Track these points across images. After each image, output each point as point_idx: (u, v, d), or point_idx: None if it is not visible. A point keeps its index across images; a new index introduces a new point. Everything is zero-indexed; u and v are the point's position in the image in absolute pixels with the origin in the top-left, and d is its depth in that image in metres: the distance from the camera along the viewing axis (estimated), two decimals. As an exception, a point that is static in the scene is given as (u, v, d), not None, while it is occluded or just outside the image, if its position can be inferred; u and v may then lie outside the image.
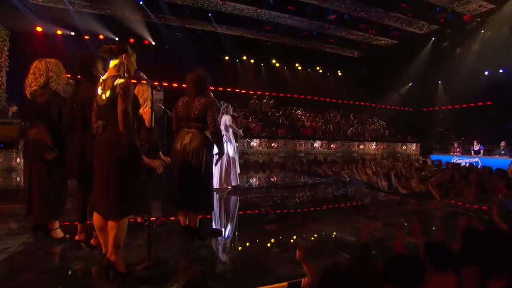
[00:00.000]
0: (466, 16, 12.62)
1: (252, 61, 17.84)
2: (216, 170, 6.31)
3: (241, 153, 13.09)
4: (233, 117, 6.75)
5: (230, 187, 6.41)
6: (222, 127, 6.44)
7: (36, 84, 3.20)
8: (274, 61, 18.11)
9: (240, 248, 3.31)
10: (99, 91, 2.51)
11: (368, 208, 4.98)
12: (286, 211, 4.79)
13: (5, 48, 12.09)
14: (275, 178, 8.81)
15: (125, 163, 2.41)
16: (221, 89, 17.12)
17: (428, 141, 16.80)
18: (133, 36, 14.37)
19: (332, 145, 14.59)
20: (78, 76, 3.23)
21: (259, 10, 12.51)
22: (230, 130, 6.55)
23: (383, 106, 19.63)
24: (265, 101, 17.04)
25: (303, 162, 10.77)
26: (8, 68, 12.23)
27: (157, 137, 4.19)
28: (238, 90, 17.59)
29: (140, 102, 3.87)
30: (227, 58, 17.22)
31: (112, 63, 2.56)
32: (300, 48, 16.90)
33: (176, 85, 16.37)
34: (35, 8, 12.08)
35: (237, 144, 6.71)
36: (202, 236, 3.38)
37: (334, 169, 9.35)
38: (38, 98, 3.15)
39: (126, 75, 2.61)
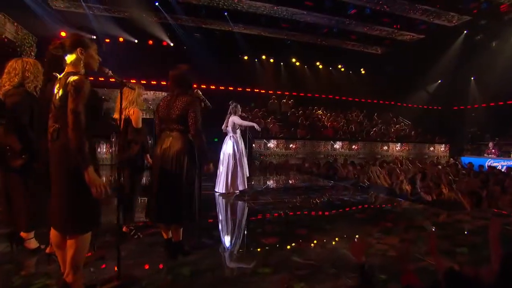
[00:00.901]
0: (503, 6, 11.46)
1: (271, 60, 17.39)
2: (222, 174, 5.94)
3: (258, 154, 12.71)
4: (242, 118, 6.33)
5: (237, 191, 6.01)
6: (230, 128, 6.07)
7: (10, 84, 2.96)
8: (294, 60, 17.55)
9: (228, 267, 2.89)
10: (55, 90, 2.18)
11: (385, 219, 4.39)
12: (291, 220, 4.30)
13: (32, 54, 12.39)
14: (288, 182, 8.32)
15: (79, 172, 2.05)
16: (240, 89, 16.86)
17: (459, 142, 15.57)
18: (152, 38, 14.40)
19: (353, 146, 13.84)
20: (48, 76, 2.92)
21: (275, 7, 12.03)
22: (238, 131, 6.15)
23: (410, 105, 18.51)
24: (284, 101, 16.52)
25: (320, 165, 10.17)
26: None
27: (146, 138, 3.88)
28: (257, 90, 17.23)
29: (125, 104, 3.58)
30: (246, 58, 16.87)
31: (68, 59, 2.22)
32: (321, 46, 16.23)
33: (195, 86, 16.25)
34: (59, 14, 12.32)
35: (243, 145, 6.26)
36: (186, 252, 2.99)
37: (353, 172, 8.71)
38: (9, 98, 2.89)
39: (87, 71, 2.27)
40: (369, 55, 16.88)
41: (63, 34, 13.28)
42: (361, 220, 4.35)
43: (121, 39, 14.03)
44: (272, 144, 12.90)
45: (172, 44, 14.86)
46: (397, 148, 14.41)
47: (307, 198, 5.79)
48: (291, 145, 13.11)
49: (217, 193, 5.87)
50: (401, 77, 16.27)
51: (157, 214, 2.83)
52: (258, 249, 3.20)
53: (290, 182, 8.30)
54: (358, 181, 7.65)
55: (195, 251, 3.08)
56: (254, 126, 6.22)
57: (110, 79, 2.54)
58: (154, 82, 15.40)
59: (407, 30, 13.82)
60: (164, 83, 15.75)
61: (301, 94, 17.94)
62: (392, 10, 12.10)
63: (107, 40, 13.90)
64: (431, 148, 15.06)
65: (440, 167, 9.17)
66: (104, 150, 10.48)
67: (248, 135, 13.19)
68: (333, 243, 3.35)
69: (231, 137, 6.02)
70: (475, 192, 5.64)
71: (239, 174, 5.94)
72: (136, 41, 14.30)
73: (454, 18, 12.71)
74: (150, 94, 14.91)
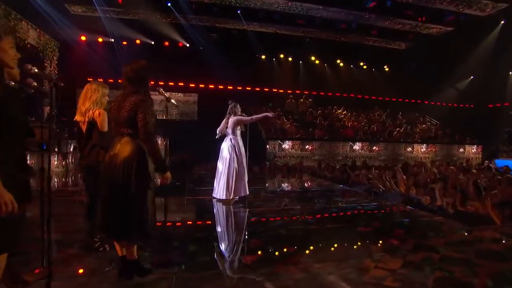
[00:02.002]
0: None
1: (290, 59, 16.79)
2: (222, 179, 5.50)
3: (272, 156, 12.19)
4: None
5: (237, 197, 5.55)
6: (229, 130, 5.62)
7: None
8: (313, 58, 16.83)
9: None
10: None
11: (392, 234, 3.76)
12: (282, 233, 3.78)
13: (54, 58, 12.65)
14: (296, 186, 7.75)
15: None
16: (258, 89, 16.43)
17: (493, 143, 14.14)
18: (168, 40, 14.30)
19: (374, 148, 12.95)
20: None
21: (290, 3, 11.45)
22: (238, 132, 5.69)
23: (438, 104, 17.17)
24: (302, 100, 15.87)
25: (335, 168, 9.48)
26: (57, 76, 12.81)
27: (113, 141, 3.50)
28: (275, 90, 16.72)
29: (88, 105, 3.24)
30: (263, 57, 16.39)
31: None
32: (340, 43, 15.40)
33: (212, 86, 16.05)
34: (78, 18, 12.50)
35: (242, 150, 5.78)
36: (142, 271, 2.58)
37: (369, 176, 7.96)
38: None
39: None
40: (392, 51, 15.81)
41: (83, 38, 13.54)
42: (363, 235, 3.75)
43: (138, 41, 14.04)
44: (287, 145, 12.33)
45: (188, 45, 14.68)
46: (422, 150, 13.33)
47: (310, 206, 5.22)
48: (307, 146, 12.48)
49: (215, 199, 5.45)
50: (427, 73, 15.05)
51: (104, 228, 2.45)
52: (229, 272, 2.72)
53: (299, 186, 7.73)
54: (372, 187, 6.94)
55: (158, 270, 2.67)
56: (267, 116, 5.73)
57: (34, 76, 2.15)
58: (172, 84, 15.36)
59: (433, 23, 12.68)
60: (182, 84, 15.76)
61: (321, 93, 17.20)
62: (416, 1, 11.11)
63: (124, 43, 13.98)
64: (461, 150, 13.80)
65: (474, 170, 8.19)
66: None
67: (263, 135, 12.75)
68: (319, 266, 2.80)
69: (231, 139, 5.57)
70: (508, 203, 4.81)
71: (240, 179, 5.47)
72: (152, 42, 14.25)
73: (488, 7, 11.44)
74: (165, 95, 14.85)
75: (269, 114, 5.72)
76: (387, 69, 17.56)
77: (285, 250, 3.20)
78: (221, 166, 5.55)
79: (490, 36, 13.34)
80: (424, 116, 16.35)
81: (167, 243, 3.34)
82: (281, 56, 16.60)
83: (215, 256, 3.09)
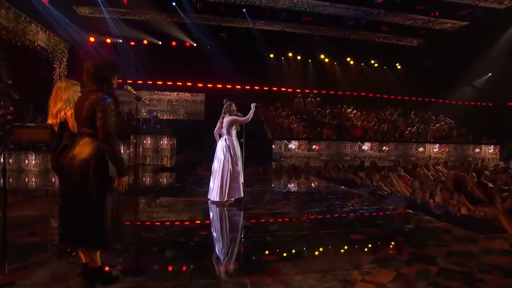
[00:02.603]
0: None
1: (298, 57, 16.44)
2: (216, 181, 5.30)
3: (278, 156, 11.92)
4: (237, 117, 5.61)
5: (232, 199, 5.34)
6: (224, 130, 5.41)
7: None
8: (322, 56, 16.43)
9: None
10: None
11: (388, 242, 3.45)
12: (268, 240, 3.53)
13: (64, 59, 12.80)
14: (297, 188, 7.46)
15: None
16: (266, 88, 16.18)
17: (512, 143, 13.40)
18: (175, 40, 14.24)
19: (384, 148, 12.48)
20: None
21: (295, 0, 11.14)
22: (234, 132, 5.47)
23: (453, 102, 16.44)
24: (309, 99, 15.52)
25: (340, 168, 9.12)
26: (67, 77, 12.96)
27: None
28: (284, 89, 16.44)
29: (61, 105, 3.08)
30: (272, 56, 16.12)
31: None
32: (350, 40, 14.96)
33: (220, 86, 15.90)
34: (86, 20, 12.58)
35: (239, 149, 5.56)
36: (107, 280, 2.40)
37: (376, 177, 7.59)
38: None
39: None
40: (404, 48, 15.22)
41: (92, 39, 13.64)
42: (356, 242, 3.45)
43: (145, 42, 14.04)
44: (293, 145, 12.03)
45: (195, 45, 14.58)
46: (435, 150, 12.74)
47: (307, 209, 4.95)
48: (314, 146, 12.14)
49: (210, 201, 5.25)
50: (441, 71, 14.40)
51: (62, 233, 2.28)
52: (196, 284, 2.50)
53: (301, 188, 7.45)
54: (376, 189, 6.58)
55: (127, 278, 2.49)
56: (255, 108, 5.48)
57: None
58: (180, 83, 15.31)
59: (447, 17, 12.07)
60: (190, 84, 15.68)
61: (331, 92, 16.78)
62: (428, -5, 10.60)
63: (132, 43, 14.01)
64: (477, 150, 13.12)
65: (486, 172, 7.67)
66: (122, 151, 10.36)
67: (269, 136, 12.49)
68: (300, 278, 2.54)
69: (226, 140, 5.36)
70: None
71: (235, 180, 5.25)
72: (160, 43, 14.23)
73: (506, -1, 10.78)
74: (173, 95, 14.83)
75: (253, 106, 5.47)
76: (399, 67, 16.96)
77: (266, 258, 2.95)
78: (216, 167, 5.36)
79: (509, 30, 12.61)
80: (438, 115, 15.69)
81: (145, 248, 3.16)
82: (290, 54, 16.28)
83: (191, 263, 2.88)
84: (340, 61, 16.60)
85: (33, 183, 7.47)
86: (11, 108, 10.42)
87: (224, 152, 5.29)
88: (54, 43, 11.98)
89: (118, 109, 2.41)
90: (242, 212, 4.84)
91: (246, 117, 5.30)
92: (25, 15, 10.24)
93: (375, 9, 11.41)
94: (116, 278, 2.50)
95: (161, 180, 8.46)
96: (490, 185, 5.63)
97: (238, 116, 5.33)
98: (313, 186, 7.67)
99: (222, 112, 5.55)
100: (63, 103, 2.99)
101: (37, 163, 8.52)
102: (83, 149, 2.26)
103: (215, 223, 4.23)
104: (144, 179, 8.65)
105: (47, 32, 11.52)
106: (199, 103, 14.88)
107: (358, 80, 16.29)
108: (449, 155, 12.74)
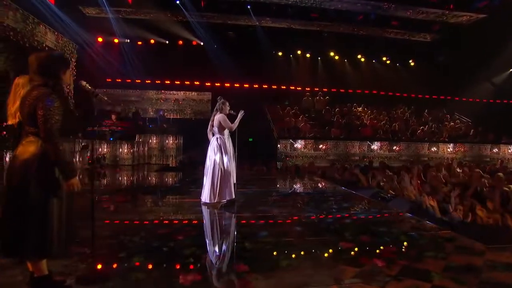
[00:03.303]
0: None
1: (307, 55, 16.01)
2: (207, 182, 5.04)
3: (283, 156, 11.58)
4: (230, 117, 5.33)
5: (224, 201, 5.07)
6: (216, 129, 5.13)
7: None
8: (332, 53, 15.94)
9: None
10: None
11: (379, 252, 3.09)
12: (248, 247, 3.23)
13: (72, 59, 12.87)
14: (297, 189, 7.11)
15: None
16: (275, 87, 15.87)
17: (534, 142, 12.54)
18: (181, 39, 14.11)
19: (395, 147, 11.92)
20: None
21: (301, -4, 10.78)
22: (226, 131, 5.19)
23: (470, 100, 15.60)
24: (318, 97, 15.07)
25: (345, 169, 8.70)
26: (75, 77, 13.05)
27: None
28: (293, 88, 16.08)
29: (19, 102, 2.87)
30: (280, 54, 15.78)
31: None
32: (360, 37, 14.42)
33: (228, 84, 15.68)
34: (93, 20, 12.63)
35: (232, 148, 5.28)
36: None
37: (382, 179, 7.13)
38: None
39: None
40: (417, 43, 14.53)
41: (100, 39, 13.70)
42: (342, 252, 3.10)
43: (152, 41, 13.99)
44: (299, 144, 11.66)
45: (202, 44, 14.41)
46: (449, 150, 12.06)
47: (300, 213, 4.61)
48: (320, 146, 11.72)
49: (202, 202, 5.00)
50: (457, 67, 13.66)
51: (2, 242, 2.06)
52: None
53: (300, 189, 7.09)
54: (380, 191, 6.16)
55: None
56: (241, 116, 5.18)
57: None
58: (188, 83, 15.20)
59: (463, 10, 11.37)
60: (198, 83, 15.54)
61: (341, 90, 16.29)
62: (441, -13, 9.98)
63: (139, 43, 13.98)
64: (495, 150, 12.34)
65: (500, 174, 7.08)
66: (126, 150, 10.31)
67: (274, 134, 12.16)
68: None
69: (218, 139, 5.07)
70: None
71: (226, 182, 4.97)
72: (167, 42, 14.14)
73: (526, -10, 10.02)
74: (180, 94, 14.71)
75: (240, 114, 5.17)
76: (412, 64, 16.24)
77: (238, 269, 2.66)
78: (207, 167, 5.10)
79: (531, 24, 11.75)
80: (453, 113, 14.91)
81: (112, 253, 2.93)
82: (299, 52, 15.89)
83: (155, 271, 2.62)
84: (351, 59, 16.07)
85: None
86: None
87: (215, 151, 5.03)
88: (62, 43, 12.04)
89: (66, 106, 2.18)
90: (230, 215, 4.55)
91: (232, 125, 5.01)
92: (33, 16, 10.29)
93: (385, 3, 10.88)
94: (67, 288, 2.27)
95: (159, 180, 8.30)
96: (506, 188, 5.11)
97: (225, 117, 5.03)
98: (314, 187, 7.29)
99: (215, 109, 5.27)
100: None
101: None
102: (26, 148, 2.04)
103: (196, 227, 3.96)
104: (141, 178, 8.51)
105: (56, 33, 11.57)
106: (205, 102, 14.72)
107: (369, 78, 15.73)
108: (465, 155, 12.04)
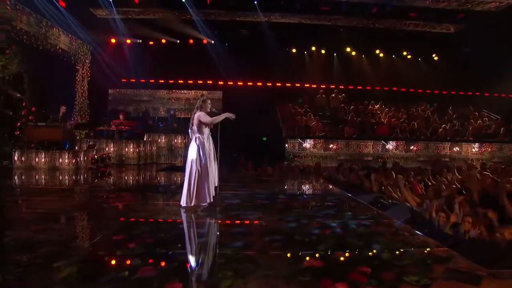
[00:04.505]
0: None
1: (322, 51, 15.28)
2: (185, 184, 4.69)
3: (291, 156, 11.05)
4: (212, 114, 4.93)
5: (205, 204, 4.70)
6: (195, 128, 4.76)
7: None
8: (348, 49, 15.10)
9: None
10: None
11: (349, 275, 2.55)
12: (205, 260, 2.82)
13: (86, 61, 13.09)
14: (293, 192, 6.58)
15: None
16: (289, 85, 15.32)
17: None
18: (192, 38, 13.92)
19: (412, 147, 10.98)
20: None
21: (309, -12, 10.14)
22: (206, 130, 4.80)
23: (503, 95, 14.15)
24: (333, 95, 14.33)
25: (352, 170, 8.01)
26: (90, 78, 13.27)
27: None
28: (307, 85, 15.43)
29: None
30: (294, 50, 15.19)
31: None
32: (378, 31, 13.49)
33: (241, 83, 15.33)
34: (105, 22, 12.72)
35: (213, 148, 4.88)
36: None
37: (390, 182, 6.43)
38: None
39: None
40: (440, 36, 13.33)
41: (113, 40, 13.81)
42: (303, 272, 2.59)
43: (163, 41, 13.91)
44: (308, 144, 11.06)
45: (213, 42, 14.15)
46: (473, 150, 10.94)
47: (281, 219, 4.12)
48: (331, 145, 11.04)
49: (182, 206, 4.65)
50: (485, 60, 12.36)
51: None
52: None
53: (295, 192, 6.54)
54: (381, 196, 5.50)
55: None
56: (228, 117, 4.77)
57: None
58: (201, 82, 15.01)
59: (489, -4, 10.22)
60: (210, 82, 15.31)
61: (358, 87, 15.47)
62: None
63: (151, 43, 13.96)
64: (528, 150, 11.05)
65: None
66: (131, 150, 10.22)
67: (283, 133, 11.63)
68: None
69: (196, 139, 4.70)
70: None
71: (204, 184, 4.59)
72: (178, 41, 14.01)
73: None
74: (191, 94, 14.54)
75: (230, 116, 4.73)
76: (435, 58, 15.01)
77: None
78: (186, 169, 4.75)
79: None
80: (481, 110, 13.58)
81: (45, 262, 2.63)
82: (313, 48, 15.20)
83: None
84: (368, 54, 15.15)
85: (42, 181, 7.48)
86: (33, 108, 10.79)
87: (192, 152, 4.66)
88: (76, 45, 12.22)
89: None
90: (202, 221, 4.16)
91: (210, 119, 4.60)
92: (46, 20, 10.47)
93: (400, -7, 10.01)
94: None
95: (155, 180, 8.09)
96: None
97: (205, 114, 4.64)
98: (311, 190, 6.74)
99: (195, 107, 4.90)
100: None
101: (46, 161, 8.58)
102: None
103: (155, 234, 3.59)
104: (138, 177, 8.32)
105: (69, 36, 11.75)
106: (216, 101, 14.44)
107: (388, 74, 14.75)
108: (492, 155, 10.87)
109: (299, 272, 2.62)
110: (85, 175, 8.07)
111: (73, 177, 7.68)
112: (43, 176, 7.79)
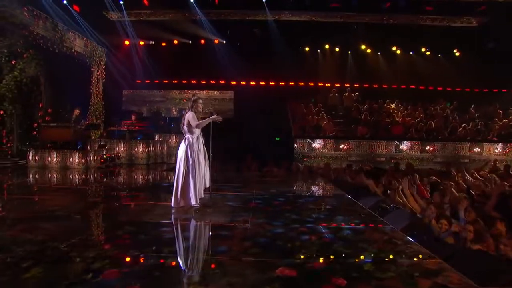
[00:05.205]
0: None
1: (337, 49, 14.87)
2: (174, 184, 4.63)
3: (300, 156, 10.78)
4: (202, 116, 4.82)
5: (197, 205, 4.61)
6: (185, 128, 4.68)
7: None
8: (363, 47, 14.60)
9: None
10: None
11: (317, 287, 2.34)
12: (159, 272, 2.69)
13: (101, 63, 13.43)
14: (293, 194, 6.34)
15: None
16: (302, 84, 15.05)
17: None
18: (204, 38, 13.94)
19: (428, 147, 10.41)
20: None
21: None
22: (197, 131, 4.70)
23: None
24: (346, 94, 13.90)
25: (359, 171, 7.66)
26: (104, 80, 13.61)
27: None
28: (321, 84, 15.09)
29: None
30: (307, 49, 14.89)
31: None
32: (394, 27, 12.92)
33: (253, 83, 15.20)
34: (119, 24, 12.99)
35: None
36: None
37: (396, 185, 6.06)
38: None
39: None
40: (461, 30, 12.55)
41: (126, 42, 14.08)
42: (271, 281, 2.40)
43: (175, 42, 14.03)
44: (317, 144, 10.75)
45: (224, 42, 14.11)
46: (496, 150, 10.21)
47: (268, 223, 3.92)
48: (341, 146, 10.67)
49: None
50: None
51: None
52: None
53: (295, 193, 6.30)
54: (383, 200, 5.18)
55: None
56: (215, 120, 4.66)
57: None
58: (213, 82, 15.02)
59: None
60: (223, 82, 15.28)
61: (374, 86, 14.94)
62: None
63: (163, 44, 14.11)
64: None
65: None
66: (141, 150, 10.35)
67: (292, 133, 11.36)
68: None
69: (185, 140, 4.62)
70: None
71: (190, 184, 4.48)
72: (190, 42, 14.09)
73: None
74: (203, 94, 14.55)
75: (217, 119, 4.61)
76: (457, 54, 14.19)
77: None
78: (175, 170, 4.68)
79: None
80: (508, 109, 12.68)
81: (15, 262, 2.61)
82: (326, 47, 14.83)
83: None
84: (384, 51, 14.57)
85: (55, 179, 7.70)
86: (49, 110, 11.17)
87: (181, 152, 4.58)
88: (91, 48, 12.55)
89: None
90: (184, 223, 4.06)
91: (196, 123, 4.50)
92: (62, 24, 10.80)
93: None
94: None
95: (159, 178, 8.10)
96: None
97: (194, 115, 4.54)
98: (312, 192, 6.48)
99: (187, 108, 4.81)
100: None
101: (58, 160, 8.83)
102: None
103: (135, 236, 3.49)
104: (142, 177, 8.37)
105: (84, 39, 12.09)
106: (228, 101, 14.43)
107: (406, 71, 14.13)
108: (517, 157, 10.10)
109: (268, 281, 2.43)
110: (94, 175, 8.22)
111: (81, 176, 7.83)
112: (52, 175, 8.01)
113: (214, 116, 4.56)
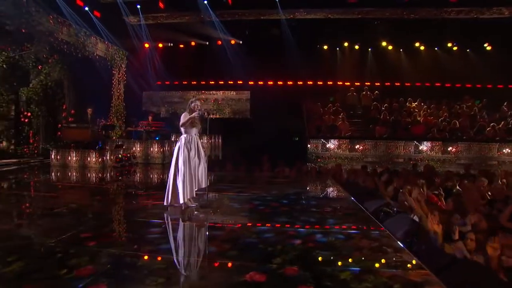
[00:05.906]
0: None
1: (356, 47, 14.41)
2: (167, 183, 4.66)
3: (314, 157, 10.50)
4: (200, 117, 4.79)
5: (194, 205, 4.61)
6: (182, 128, 4.70)
7: None
8: (384, 43, 14.01)
9: None
10: None
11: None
12: (136, 272, 2.66)
13: (122, 66, 13.88)
14: (294, 195, 6.14)
15: None
16: (321, 83, 14.74)
17: None
18: (220, 39, 14.01)
19: (451, 148, 9.76)
20: None
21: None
22: (194, 130, 4.69)
23: None
24: (364, 93, 13.39)
25: (370, 173, 7.30)
26: (125, 82, 14.08)
27: None
28: (340, 83, 14.69)
29: None
30: (325, 47, 14.54)
31: None
32: (416, 22, 12.22)
33: (271, 82, 15.06)
34: (138, 27, 13.37)
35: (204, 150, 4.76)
36: None
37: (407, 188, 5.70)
38: None
39: None
40: (491, 22, 11.62)
41: (146, 45, 14.47)
42: (238, 286, 2.30)
43: (193, 43, 14.23)
44: (332, 144, 10.42)
45: (241, 42, 14.11)
46: (529, 152, 9.36)
47: (257, 227, 3.81)
48: (357, 146, 10.27)
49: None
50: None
51: None
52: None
53: (297, 195, 6.09)
54: (388, 204, 4.88)
55: None
56: (194, 117, 4.59)
57: None
58: (231, 82, 15.06)
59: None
60: (240, 82, 15.28)
61: (396, 84, 14.30)
62: None
63: (181, 46, 14.36)
64: None
65: None
66: (156, 149, 10.57)
67: (306, 133, 11.08)
68: None
69: (181, 139, 4.65)
70: None
71: (180, 183, 4.47)
72: (207, 43, 14.23)
73: None
74: (219, 94, 14.65)
75: (195, 114, 4.55)
76: (488, 48, 13.21)
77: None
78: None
79: None
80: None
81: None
82: (345, 44, 14.39)
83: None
84: (407, 48, 13.89)
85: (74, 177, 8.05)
86: (72, 111, 11.73)
87: (174, 151, 4.61)
88: (112, 51, 13.00)
89: None
90: (176, 223, 4.04)
91: (181, 123, 4.50)
92: (85, 29, 11.28)
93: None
94: None
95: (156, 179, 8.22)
96: None
97: (184, 115, 4.54)
98: (314, 194, 6.26)
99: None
100: None
101: (77, 159, 9.22)
102: None
103: (121, 234, 3.51)
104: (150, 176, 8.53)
105: (106, 43, 12.55)
106: (244, 101, 14.40)
107: (430, 68, 13.39)
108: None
109: (234, 286, 2.33)
110: (111, 173, 8.49)
111: (96, 175, 8.12)
112: (71, 173, 8.37)
113: (194, 114, 4.51)
